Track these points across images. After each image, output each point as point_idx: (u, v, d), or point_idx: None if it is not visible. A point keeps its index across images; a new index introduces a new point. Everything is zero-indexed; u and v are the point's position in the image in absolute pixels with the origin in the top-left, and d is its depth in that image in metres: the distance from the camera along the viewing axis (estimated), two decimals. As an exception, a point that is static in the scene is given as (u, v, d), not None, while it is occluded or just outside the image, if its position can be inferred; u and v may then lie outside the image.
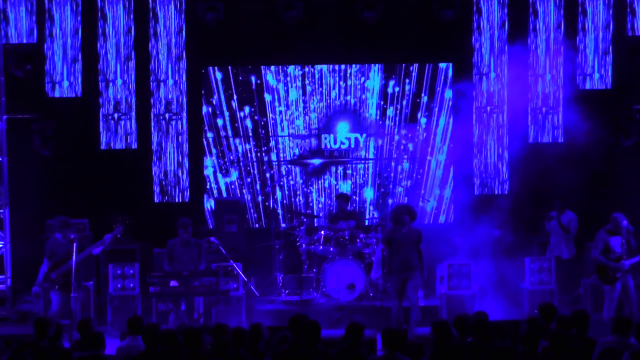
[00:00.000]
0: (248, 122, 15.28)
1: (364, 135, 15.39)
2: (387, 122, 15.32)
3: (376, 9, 14.57)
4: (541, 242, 14.51)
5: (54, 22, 14.70)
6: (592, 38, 14.94)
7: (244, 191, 15.30)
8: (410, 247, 12.21)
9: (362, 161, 15.41)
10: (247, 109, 15.27)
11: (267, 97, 15.28)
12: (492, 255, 14.11)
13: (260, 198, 15.33)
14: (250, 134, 15.28)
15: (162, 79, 15.06)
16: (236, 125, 15.27)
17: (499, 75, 15.15)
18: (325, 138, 15.44)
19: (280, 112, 15.31)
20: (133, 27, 14.90)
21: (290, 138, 15.35)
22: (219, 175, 15.35)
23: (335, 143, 15.43)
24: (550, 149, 15.10)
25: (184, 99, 15.16)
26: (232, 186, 15.34)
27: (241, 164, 15.32)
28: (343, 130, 15.37)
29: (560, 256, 13.92)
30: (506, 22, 15.02)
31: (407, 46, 15.09)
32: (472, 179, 15.32)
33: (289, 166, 15.38)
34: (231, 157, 15.31)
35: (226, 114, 15.26)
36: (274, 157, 15.33)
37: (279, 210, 15.38)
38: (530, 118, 15.19)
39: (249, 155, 15.31)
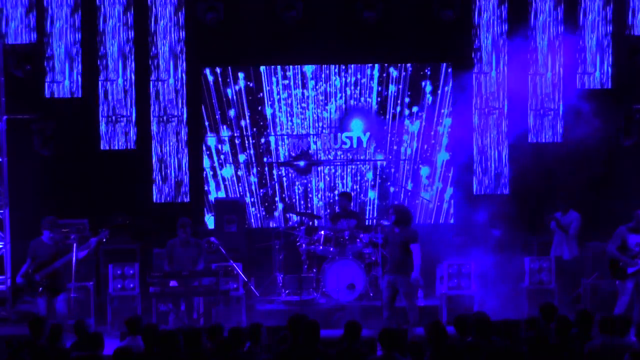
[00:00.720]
0: (243, 88, 15.32)
1: (368, 134, 15.38)
2: (389, 95, 15.30)
3: (376, 9, 14.57)
4: (541, 242, 14.51)
5: (53, 22, 14.68)
6: (592, 38, 14.93)
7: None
8: (399, 248, 11.75)
9: (356, 162, 15.40)
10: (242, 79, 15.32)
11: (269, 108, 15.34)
12: (492, 255, 14.11)
13: (255, 180, 15.36)
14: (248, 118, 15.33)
15: (162, 78, 15.05)
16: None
17: (498, 76, 15.14)
18: (326, 137, 15.45)
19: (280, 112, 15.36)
20: (133, 27, 14.89)
21: (287, 138, 15.36)
22: (211, 139, 15.30)
23: (335, 143, 15.43)
24: (550, 149, 15.08)
25: (184, 99, 15.15)
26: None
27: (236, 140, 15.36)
28: (358, 129, 15.36)
29: (562, 256, 13.91)
30: (506, 22, 15.01)
31: (407, 46, 15.09)
32: (472, 179, 15.31)
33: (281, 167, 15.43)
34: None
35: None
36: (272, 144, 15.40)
37: (279, 202, 15.43)
38: (530, 118, 15.17)
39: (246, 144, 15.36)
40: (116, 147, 15.08)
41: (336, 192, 15.23)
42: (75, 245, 12.06)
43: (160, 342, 8.44)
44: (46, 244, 12.15)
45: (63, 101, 14.86)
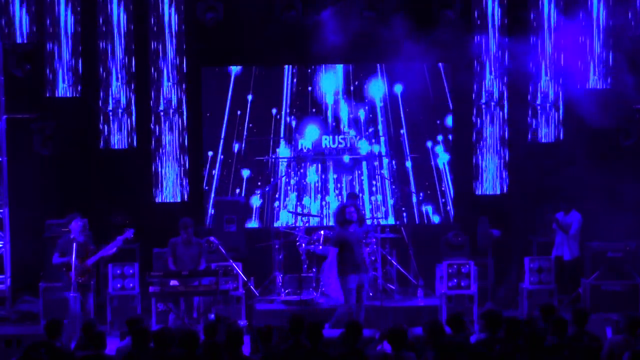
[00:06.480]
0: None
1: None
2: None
3: (376, 9, 14.59)
4: (541, 242, 14.52)
5: (54, 21, 14.67)
6: (592, 37, 14.91)
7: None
8: None
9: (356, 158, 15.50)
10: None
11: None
12: (492, 255, 14.12)
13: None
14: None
15: (161, 78, 15.05)
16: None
17: (499, 75, 15.14)
18: (326, 139, 15.47)
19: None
20: (133, 27, 14.89)
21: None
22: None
23: (333, 143, 15.47)
24: (550, 148, 15.09)
25: (184, 99, 15.16)
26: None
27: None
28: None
29: (562, 257, 13.92)
30: (506, 21, 15.01)
31: (407, 46, 15.07)
32: (471, 179, 15.32)
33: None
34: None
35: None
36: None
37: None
38: (530, 117, 15.18)
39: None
40: (116, 147, 15.07)
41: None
42: (75, 245, 12.12)
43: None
44: (76, 240, 12.24)
45: (63, 101, 14.86)
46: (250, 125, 15.35)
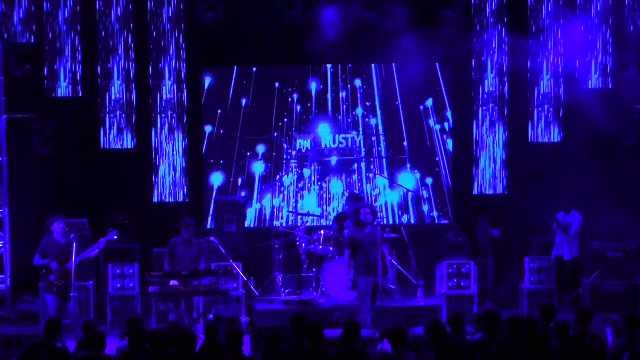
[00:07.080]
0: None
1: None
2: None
3: (375, 9, 14.59)
4: (541, 242, 14.52)
5: (53, 21, 14.67)
6: (592, 37, 14.92)
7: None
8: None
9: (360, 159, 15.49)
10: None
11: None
12: (492, 255, 14.12)
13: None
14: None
15: (161, 78, 15.05)
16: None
17: (499, 75, 15.14)
18: (326, 138, 15.46)
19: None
20: (132, 27, 14.89)
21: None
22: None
23: (334, 143, 15.47)
24: (550, 148, 15.10)
25: (184, 99, 15.16)
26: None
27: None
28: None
29: (562, 257, 13.92)
30: (506, 21, 15.01)
31: (407, 46, 15.08)
32: (471, 179, 15.32)
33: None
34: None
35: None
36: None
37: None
38: (530, 117, 15.18)
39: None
40: (116, 147, 15.07)
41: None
42: (75, 245, 12.12)
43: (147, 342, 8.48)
44: (58, 242, 12.22)
45: (63, 101, 14.86)
46: (253, 104, 15.31)
